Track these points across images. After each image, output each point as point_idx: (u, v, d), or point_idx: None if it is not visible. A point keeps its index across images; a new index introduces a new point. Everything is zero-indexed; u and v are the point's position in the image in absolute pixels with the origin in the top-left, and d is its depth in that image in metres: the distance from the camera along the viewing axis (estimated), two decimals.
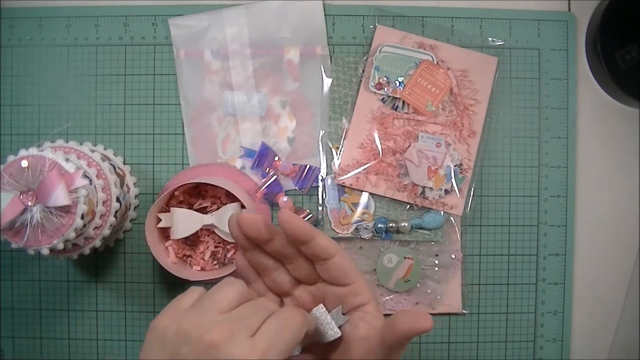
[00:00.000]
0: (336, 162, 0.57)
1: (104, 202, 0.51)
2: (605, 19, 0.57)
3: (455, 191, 0.57)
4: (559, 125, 0.60)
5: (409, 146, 0.57)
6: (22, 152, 0.46)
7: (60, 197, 0.44)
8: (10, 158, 0.46)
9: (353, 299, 0.39)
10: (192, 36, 0.58)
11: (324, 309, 0.39)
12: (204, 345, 0.35)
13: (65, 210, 0.45)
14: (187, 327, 0.36)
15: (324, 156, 0.58)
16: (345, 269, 0.39)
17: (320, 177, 0.58)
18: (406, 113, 0.58)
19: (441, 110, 0.58)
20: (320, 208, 0.58)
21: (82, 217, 0.46)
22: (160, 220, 0.54)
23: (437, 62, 0.58)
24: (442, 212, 0.57)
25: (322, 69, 0.58)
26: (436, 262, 0.58)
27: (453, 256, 0.59)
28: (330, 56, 0.59)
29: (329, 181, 0.58)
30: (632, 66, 0.58)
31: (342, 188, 0.58)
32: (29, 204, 0.44)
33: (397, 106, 0.58)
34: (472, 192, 0.58)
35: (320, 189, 0.58)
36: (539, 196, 0.60)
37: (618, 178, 0.61)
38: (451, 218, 0.58)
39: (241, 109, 0.58)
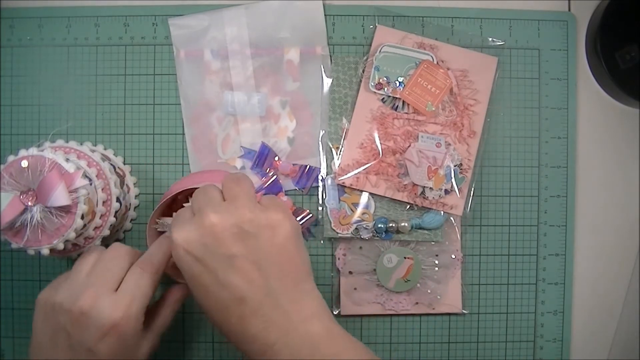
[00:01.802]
0: (336, 162, 0.57)
1: (104, 202, 0.51)
2: (605, 19, 0.57)
3: (455, 191, 0.57)
4: (559, 125, 0.60)
5: (409, 146, 0.57)
6: (22, 152, 0.46)
7: (60, 197, 0.44)
8: (10, 158, 0.46)
9: None
10: (192, 36, 0.58)
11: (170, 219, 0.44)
12: (75, 314, 0.42)
13: (65, 210, 0.45)
14: (60, 298, 0.43)
15: (324, 156, 0.58)
16: None
17: (320, 177, 0.58)
18: (406, 113, 0.58)
19: (441, 110, 0.58)
20: (320, 208, 0.58)
21: (82, 217, 0.46)
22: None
23: (437, 62, 0.58)
24: (442, 212, 0.57)
25: (322, 69, 0.58)
26: (436, 262, 0.58)
27: (453, 256, 0.59)
28: (330, 56, 0.59)
29: (329, 181, 0.58)
30: (632, 66, 0.58)
31: (342, 188, 0.58)
32: (29, 204, 0.44)
33: (397, 106, 0.58)
34: (472, 192, 0.58)
35: (320, 189, 0.58)
36: (539, 196, 0.60)
37: (618, 178, 0.61)
38: (451, 218, 0.58)
39: (241, 109, 0.58)
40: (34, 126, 0.59)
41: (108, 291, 0.43)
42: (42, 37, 0.59)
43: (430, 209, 0.57)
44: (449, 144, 0.57)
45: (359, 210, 0.57)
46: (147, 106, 0.59)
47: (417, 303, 0.59)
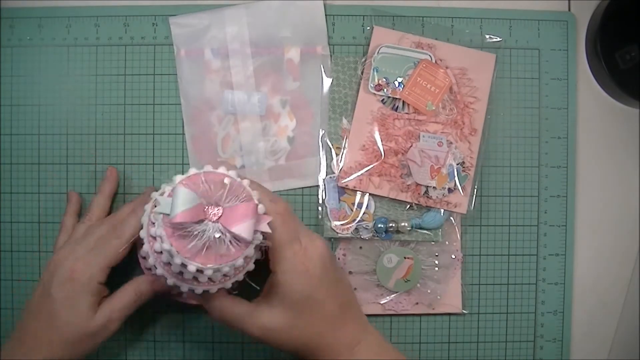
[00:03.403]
0: (336, 162, 0.57)
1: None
2: (605, 19, 0.58)
3: (458, 189, 0.57)
4: (559, 125, 0.60)
5: (411, 146, 0.57)
6: (222, 170, 0.44)
7: (246, 230, 0.41)
8: (208, 168, 0.44)
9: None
10: (192, 35, 0.58)
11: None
12: (51, 265, 0.49)
13: (239, 243, 0.42)
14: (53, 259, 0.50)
15: (324, 156, 0.58)
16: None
17: (320, 178, 0.58)
18: (407, 113, 0.58)
19: (441, 109, 0.58)
20: (320, 208, 0.58)
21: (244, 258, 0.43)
22: None
23: (436, 61, 0.58)
24: (442, 212, 0.57)
25: (322, 69, 0.58)
26: (436, 262, 0.58)
27: (453, 256, 0.59)
28: (330, 56, 0.59)
29: (329, 181, 0.58)
30: (632, 66, 0.58)
31: (342, 188, 0.58)
32: (213, 219, 0.41)
33: (397, 107, 0.58)
34: (475, 190, 0.58)
35: (320, 189, 0.58)
36: (539, 196, 0.60)
37: (618, 178, 0.61)
38: (451, 218, 0.58)
39: (241, 108, 0.58)
40: (34, 126, 0.59)
41: (82, 249, 0.50)
42: (42, 37, 0.59)
43: (430, 208, 0.57)
44: (451, 143, 0.57)
45: (359, 210, 0.57)
46: (147, 106, 0.59)
47: (417, 303, 0.59)
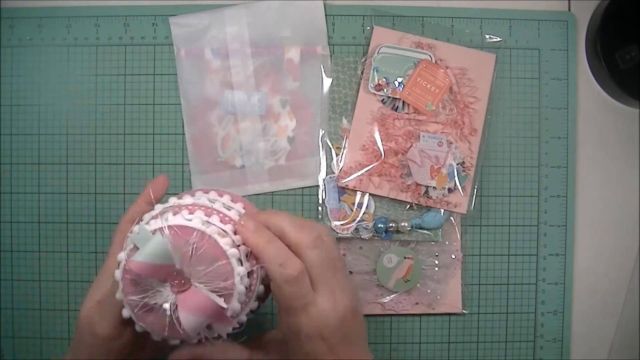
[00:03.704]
0: (336, 162, 0.57)
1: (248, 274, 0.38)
2: (605, 19, 0.58)
3: (458, 189, 0.57)
4: (559, 125, 0.60)
5: (411, 146, 0.57)
6: (152, 223, 0.36)
7: (190, 325, 0.35)
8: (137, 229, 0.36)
9: None
10: (192, 35, 0.58)
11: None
12: None
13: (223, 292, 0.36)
14: None
15: (324, 156, 0.58)
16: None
17: (320, 178, 0.58)
18: (407, 113, 0.58)
19: (441, 109, 0.58)
20: (320, 208, 0.58)
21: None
22: None
23: (436, 61, 0.58)
24: (442, 212, 0.57)
25: (322, 69, 0.58)
26: (436, 262, 0.58)
27: (453, 256, 0.59)
28: (330, 56, 0.59)
29: (329, 181, 0.58)
30: (632, 66, 0.58)
31: (342, 188, 0.58)
32: (173, 289, 0.35)
33: (397, 107, 0.58)
34: (475, 190, 0.58)
35: (320, 189, 0.58)
36: (539, 196, 0.60)
37: (618, 178, 0.61)
38: (451, 218, 0.58)
39: (241, 108, 0.58)
40: (34, 126, 0.59)
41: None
42: (42, 37, 0.59)
43: (430, 208, 0.57)
44: (451, 143, 0.57)
45: (359, 210, 0.57)
46: (147, 106, 0.59)
47: (417, 303, 0.59)
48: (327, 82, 0.58)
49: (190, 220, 0.35)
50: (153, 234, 0.34)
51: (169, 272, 0.34)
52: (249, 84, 0.58)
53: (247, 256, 0.38)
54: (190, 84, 0.58)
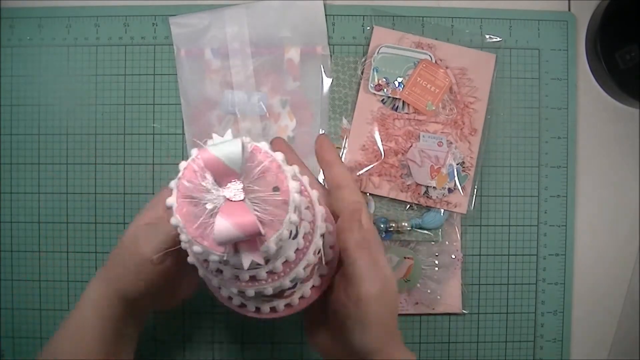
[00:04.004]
0: None
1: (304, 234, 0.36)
2: (605, 19, 0.58)
3: (458, 189, 0.57)
4: (559, 125, 0.60)
5: (411, 146, 0.57)
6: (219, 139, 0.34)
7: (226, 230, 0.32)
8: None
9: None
10: (192, 35, 0.58)
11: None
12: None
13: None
14: None
15: None
16: (354, 202, 0.40)
17: (320, 178, 0.58)
18: (407, 113, 0.58)
19: (441, 109, 0.58)
20: None
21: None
22: None
23: (436, 61, 0.58)
24: (442, 212, 0.57)
25: (322, 69, 0.58)
26: (436, 262, 0.58)
27: (453, 256, 0.59)
28: (330, 56, 0.59)
29: None
30: (632, 66, 0.58)
31: None
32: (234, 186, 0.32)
33: (397, 107, 0.58)
34: (475, 190, 0.58)
35: None
36: (539, 196, 0.60)
37: (618, 178, 0.61)
38: (451, 218, 0.58)
39: (241, 107, 0.58)
40: (34, 126, 0.59)
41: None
42: (42, 37, 0.59)
43: (430, 208, 0.57)
44: (451, 143, 0.57)
45: None
46: (147, 106, 0.59)
47: (417, 303, 0.59)
48: (327, 82, 0.58)
49: (274, 153, 0.35)
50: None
51: (228, 177, 0.33)
52: (249, 84, 0.58)
53: (307, 212, 0.37)
54: (190, 84, 0.58)
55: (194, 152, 0.36)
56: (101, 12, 0.59)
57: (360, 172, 0.57)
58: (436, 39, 0.59)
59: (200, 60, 0.58)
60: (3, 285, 0.59)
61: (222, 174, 0.33)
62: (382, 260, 0.38)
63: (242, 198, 0.32)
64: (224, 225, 0.31)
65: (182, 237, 0.33)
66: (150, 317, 0.58)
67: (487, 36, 0.59)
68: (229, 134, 0.35)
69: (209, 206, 0.32)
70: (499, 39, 0.59)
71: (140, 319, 0.46)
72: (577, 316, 0.61)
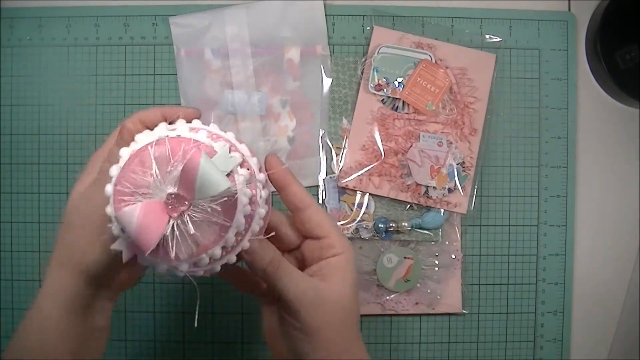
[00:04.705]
0: (336, 162, 0.57)
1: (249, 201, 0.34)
2: (605, 19, 0.58)
3: (458, 189, 0.57)
4: (559, 125, 0.60)
5: (411, 146, 0.57)
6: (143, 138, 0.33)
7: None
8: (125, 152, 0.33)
9: (327, 251, 0.39)
10: (192, 35, 0.58)
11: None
12: None
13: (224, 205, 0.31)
14: None
15: (324, 156, 0.58)
16: (319, 221, 0.40)
17: (320, 178, 0.58)
18: (407, 113, 0.58)
19: (441, 109, 0.58)
20: None
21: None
22: None
23: (436, 61, 0.58)
24: (442, 212, 0.57)
25: (322, 69, 0.58)
26: (436, 262, 0.58)
27: (453, 256, 0.59)
28: (330, 56, 0.59)
29: (329, 181, 0.58)
30: (632, 66, 0.58)
31: (342, 188, 0.58)
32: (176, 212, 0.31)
33: (397, 107, 0.58)
34: (475, 190, 0.58)
35: (320, 189, 0.58)
36: (539, 196, 0.60)
37: (618, 178, 0.61)
38: (451, 218, 0.58)
39: (241, 107, 0.58)
40: (34, 126, 0.59)
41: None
42: (42, 37, 0.59)
43: (430, 208, 0.57)
44: (451, 143, 0.57)
45: (359, 210, 0.57)
46: (147, 106, 0.59)
47: (417, 303, 0.59)
48: (327, 82, 0.58)
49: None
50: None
51: (181, 188, 0.31)
52: (249, 84, 0.58)
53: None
54: (190, 84, 0.58)
55: (142, 138, 0.33)
56: (101, 12, 0.59)
57: (360, 172, 0.57)
58: (436, 39, 0.59)
59: (200, 60, 0.58)
60: (3, 285, 0.59)
61: (181, 182, 0.31)
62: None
63: (178, 213, 0.31)
64: (131, 215, 0.30)
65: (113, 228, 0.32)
66: (150, 317, 0.59)
67: (487, 36, 0.59)
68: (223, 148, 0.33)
69: (147, 197, 0.31)
70: (499, 39, 0.59)
71: (108, 307, 0.41)
72: (577, 316, 0.61)
